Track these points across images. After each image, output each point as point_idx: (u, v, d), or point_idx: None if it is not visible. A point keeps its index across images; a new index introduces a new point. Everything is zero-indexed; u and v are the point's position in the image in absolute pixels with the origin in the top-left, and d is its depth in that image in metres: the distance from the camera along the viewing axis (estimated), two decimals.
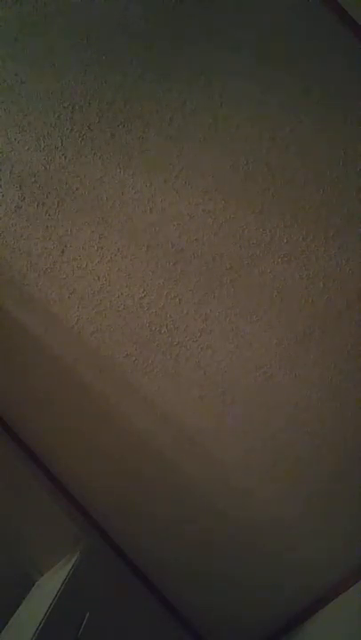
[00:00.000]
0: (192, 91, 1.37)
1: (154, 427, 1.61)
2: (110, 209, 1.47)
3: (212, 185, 1.43)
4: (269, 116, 1.38)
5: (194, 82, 1.37)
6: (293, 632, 1.67)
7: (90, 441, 1.64)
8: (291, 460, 1.60)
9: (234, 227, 1.46)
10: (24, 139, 1.42)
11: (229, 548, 1.67)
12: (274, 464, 1.60)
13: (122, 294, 1.53)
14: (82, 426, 1.63)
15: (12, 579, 1.53)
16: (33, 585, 1.52)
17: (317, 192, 1.43)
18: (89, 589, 1.39)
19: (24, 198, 1.47)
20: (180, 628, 1.71)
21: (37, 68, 1.38)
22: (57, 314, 1.55)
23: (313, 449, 1.59)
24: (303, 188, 1.43)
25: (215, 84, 1.37)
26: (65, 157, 1.43)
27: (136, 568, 1.70)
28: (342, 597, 1.62)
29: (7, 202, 1.47)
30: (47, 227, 1.49)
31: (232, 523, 1.66)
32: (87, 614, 1.24)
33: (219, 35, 1.34)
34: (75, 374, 1.59)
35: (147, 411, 1.60)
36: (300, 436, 1.58)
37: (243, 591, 1.70)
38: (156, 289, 1.52)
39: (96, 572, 1.52)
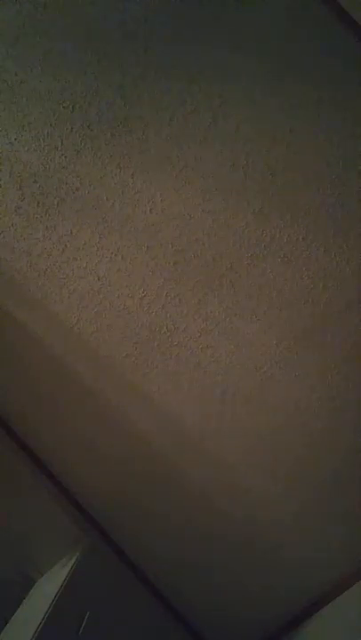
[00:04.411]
0: (192, 91, 1.37)
1: (154, 427, 1.61)
2: (110, 209, 1.47)
3: (212, 185, 1.43)
4: (269, 116, 1.38)
5: (194, 82, 1.37)
6: (293, 632, 1.67)
7: (90, 441, 1.64)
8: (291, 459, 1.60)
9: (234, 227, 1.46)
10: (24, 139, 1.42)
11: (229, 547, 1.67)
12: (274, 464, 1.60)
13: (122, 294, 1.53)
14: (82, 426, 1.63)
15: (12, 579, 1.54)
16: (33, 585, 1.52)
17: (317, 192, 1.43)
18: (89, 589, 1.39)
19: (24, 198, 1.47)
20: (180, 627, 1.71)
21: (37, 68, 1.38)
22: (57, 314, 1.55)
23: (313, 449, 1.59)
24: (303, 187, 1.43)
25: (215, 84, 1.37)
26: (65, 157, 1.43)
27: (136, 568, 1.70)
28: (342, 597, 1.62)
29: (7, 202, 1.47)
30: (47, 227, 1.49)
31: (232, 522, 1.66)
32: (87, 614, 1.24)
33: (219, 35, 1.34)
34: (75, 374, 1.59)
35: (147, 411, 1.60)
36: (299, 436, 1.58)
37: (243, 591, 1.70)
38: (156, 289, 1.52)
39: (96, 572, 1.52)
